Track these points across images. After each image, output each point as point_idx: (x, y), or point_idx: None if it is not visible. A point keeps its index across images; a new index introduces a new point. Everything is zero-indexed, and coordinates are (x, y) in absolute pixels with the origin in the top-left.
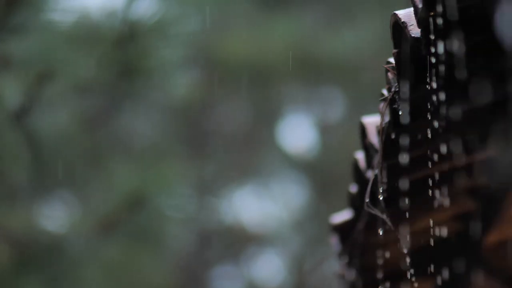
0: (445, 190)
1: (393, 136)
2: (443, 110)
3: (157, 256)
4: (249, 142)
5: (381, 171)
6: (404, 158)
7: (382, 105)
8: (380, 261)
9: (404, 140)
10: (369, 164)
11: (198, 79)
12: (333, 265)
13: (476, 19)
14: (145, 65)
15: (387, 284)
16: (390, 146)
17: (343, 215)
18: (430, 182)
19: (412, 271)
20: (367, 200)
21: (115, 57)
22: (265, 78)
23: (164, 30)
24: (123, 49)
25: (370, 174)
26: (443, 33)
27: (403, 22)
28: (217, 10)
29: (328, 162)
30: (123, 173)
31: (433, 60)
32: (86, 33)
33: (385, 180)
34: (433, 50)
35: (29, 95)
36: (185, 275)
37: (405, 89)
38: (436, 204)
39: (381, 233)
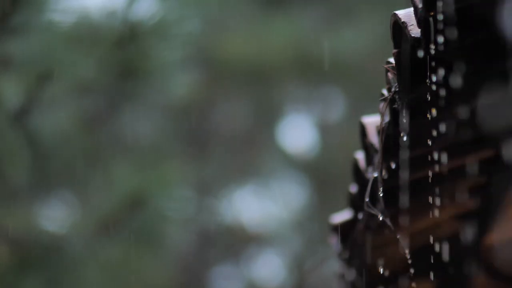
0: (445, 190)
1: (393, 136)
2: (443, 110)
3: (157, 256)
4: (249, 142)
5: (381, 171)
6: (404, 158)
7: (382, 105)
8: (380, 261)
9: (404, 140)
10: (369, 164)
11: (198, 79)
12: (333, 265)
13: (475, 18)
14: (145, 65)
15: (387, 284)
16: (390, 146)
17: (343, 215)
18: (430, 182)
19: (412, 271)
20: (367, 200)
21: (115, 57)
22: (265, 78)
23: (164, 31)
24: (123, 50)
25: (370, 174)
26: (443, 33)
27: (403, 22)
28: (217, 10)
29: (328, 162)
30: (123, 173)
31: (433, 60)
32: (86, 33)
33: (385, 180)
34: (433, 50)
35: (29, 95)
36: (185, 275)
37: (405, 89)
38: (436, 204)
39: (381, 233)
